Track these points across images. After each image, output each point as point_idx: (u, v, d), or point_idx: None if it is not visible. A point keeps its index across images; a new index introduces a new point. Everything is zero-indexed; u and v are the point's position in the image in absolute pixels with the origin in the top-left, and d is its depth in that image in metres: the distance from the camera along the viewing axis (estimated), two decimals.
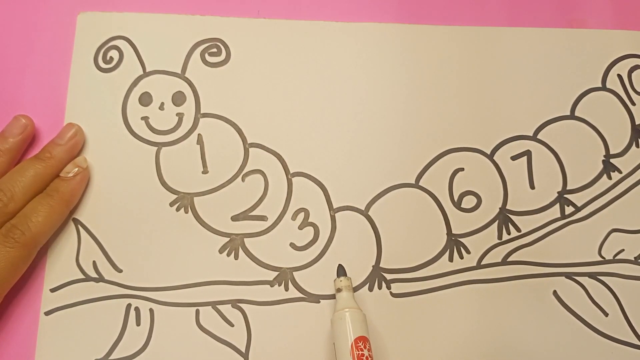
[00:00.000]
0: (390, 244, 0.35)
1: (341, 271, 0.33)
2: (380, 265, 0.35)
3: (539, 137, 0.37)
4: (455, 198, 0.36)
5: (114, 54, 0.37)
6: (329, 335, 0.33)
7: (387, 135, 0.37)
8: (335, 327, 0.31)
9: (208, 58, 0.37)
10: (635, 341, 0.34)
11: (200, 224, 0.35)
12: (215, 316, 0.34)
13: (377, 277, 0.35)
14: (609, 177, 0.36)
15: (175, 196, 0.35)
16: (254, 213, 0.35)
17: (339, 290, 0.33)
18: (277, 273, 0.34)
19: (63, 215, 0.34)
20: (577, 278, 0.35)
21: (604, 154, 0.37)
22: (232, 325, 0.34)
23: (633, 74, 0.38)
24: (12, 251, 0.31)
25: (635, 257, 0.35)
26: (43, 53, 0.37)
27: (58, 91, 0.36)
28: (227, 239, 0.35)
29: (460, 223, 0.36)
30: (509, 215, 0.36)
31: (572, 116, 0.37)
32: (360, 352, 0.30)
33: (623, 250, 0.35)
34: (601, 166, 0.36)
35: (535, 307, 0.34)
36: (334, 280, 0.33)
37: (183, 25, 0.38)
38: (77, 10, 0.38)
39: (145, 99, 0.37)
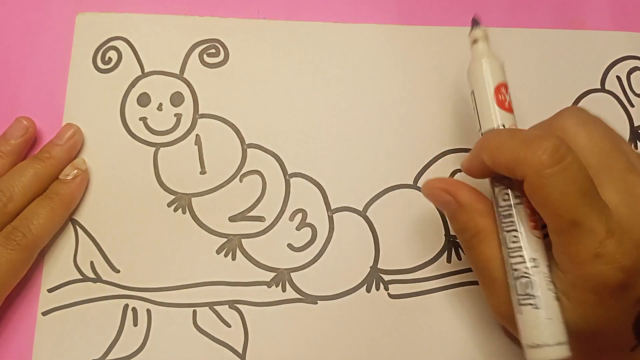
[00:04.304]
0: (388, 245, 0.35)
1: (475, 22, 0.32)
2: (378, 266, 0.35)
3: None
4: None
5: (112, 54, 0.37)
6: (326, 336, 0.33)
7: (385, 136, 0.36)
8: (473, 77, 0.31)
9: (206, 59, 0.37)
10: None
11: (198, 225, 0.35)
12: (212, 317, 0.34)
13: (375, 278, 0.35)
14: None
15: (173, 197, 0.35)
16: (251, 214, 0.35)
17: (474, 42, 0.32)
18: (274, 274, 0.34)
19: (63, 218, 0.34)
20: None
21: None
22: (229, 326, 0.34)
23: (632, 76, 0.38)
24: (14, 254, 0.32)
25: None
26: (42, 53, 0.37)
27: (56, 92, 0.36)
28: (225, 239, 0.35)
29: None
30: None
31: None
32: (502, 97, 0.30)
33: None
34: None
35: None
36: (468, 35, 0.32)
37: (181, 26, 0.38)
38: (76, 10, 0.38)
39: (144, 100, 0.37)
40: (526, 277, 0.26)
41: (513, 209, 0.28)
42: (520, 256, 0.27)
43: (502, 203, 0.28)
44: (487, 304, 0.30)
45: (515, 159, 0.26)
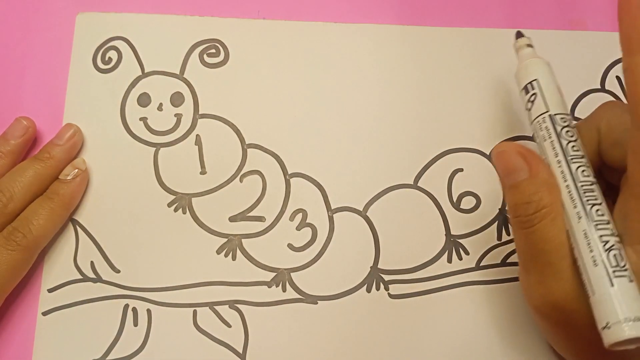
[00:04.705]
0: (389, 245, 0.35)
1: (520, 33, 0.34)
2: (379, 266, 0.35)
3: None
4: (454, 199, 0.36)
5: (112, 54, 0.37)
6: (326, 336, 0.33)
7: (385, 136, 0.36)
8: (532, 71, 0.32)
9: (207, 59, 0.37)
10: None
11: (198, 225, 0.35)
12: (212, 317, 0.34)
13: (375, 278, 0.35)
14: None
15: (173, 197, 0.35)
16: (251, 214, 0.35)
17: (519, 48, 0.33)
18: (274, 274, 0.34)
19: (63, 218, 0.34)
20: None
21: None
22: (229, 326, 0.34)
23: None
24: (14, 254, 0.32)
25: None
26: (42, 53, 0.37)
27: (56, 92, 0.36)
28: (225, 239, 0.35)
29: (460, 224, 0.35)
30: (509, 216, 0.36)
31: (572, 117, 0.37)
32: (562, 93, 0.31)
33: None
34: None
35: None
36: (513, 44, 0.33)
37: (182, 25, 0.38)
38: (76, 10, 0.38)
39: (144, 100, 0.37)
40: (616, 249, 0.26)
41: (595, 185, 0.27)
42: (608, 229, 0.26)
43: (583, 178, 0.27)
44: (530, 290, 0.28)
45: None
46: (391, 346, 0.34)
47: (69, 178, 0.34)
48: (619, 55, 0.37)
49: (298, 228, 0.35)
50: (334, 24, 0.38)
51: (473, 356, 0.33)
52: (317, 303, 0.34)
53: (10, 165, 0.34)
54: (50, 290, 0.34)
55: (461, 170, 0.36)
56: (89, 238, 0.35)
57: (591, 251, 0.26)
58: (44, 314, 0.34)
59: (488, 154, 0.36)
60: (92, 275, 0.34)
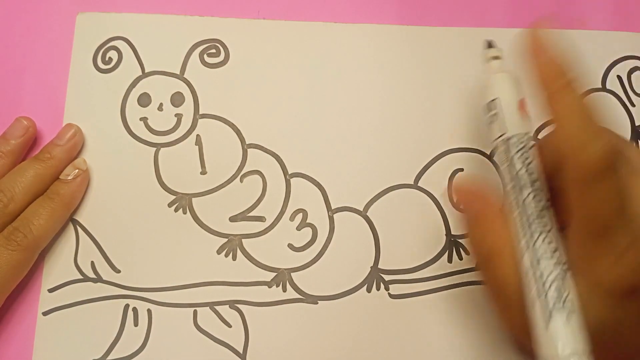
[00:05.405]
0: (389, 245, 0.35)
1: (490, 44, 0.33)
2: (379, 266, 0.35)
3: (539, 137, 0.37)
4: (455, 199, 0.36)
5: (112, 54, 0.37)
6: (326, 336, 0.33)
7: (385, 136, 0.36)
8: (494, 89, 0.31)
9: (207, 59, 0.37)
10: None
11: (199, 225, 0.35)
12: (213, 317, 0.34)
13: (376, 278, 0.35)
14: None
15: (173, 197, 0.35)
16: (252, 214, 0.35)
17: (494, 58, 0.32)
18: (275, 274, 0.34)
19: (64, 218, 0.34)
20: None
21: None
22: (229, 326, 0.34)
23: (632, 76, 0.38)
24: (15, 254, 0.32)
25: None
26: (42, 53, 0.37)
27: (57, 92, 0.36)
28: (225, 239, 0.35)
29: (460, 224, 0.35)
30: None
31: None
32: (524, 111, 0.30)
33: None
34: None
35: None
36: (484, 53, 0.32)
37: (182, 25, 0.38)
38: (76, 10, 0.38)
39: (144, 100, 0.37)
40: (559, 279, 0.26)
41: (546, 211, 0.27)
42: (554, 258, 0.26)
43: (533, 205, 0.27)
44: (501, 319, 0.30)
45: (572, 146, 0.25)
46: (391, 346, 0.34)
47: (69, 178, 0.34)
48: (620, 54, 0.38)
49: (298, 228, 0.35)
50: (334, 24, 0.38)
51: (473, 356, 0.33)
52: (317, 303, 0.34)
53: (11, 165, 0.34)
54: (50, 290, 0.34)
55: (461, 170, 0.36)
56: (89, 238, 0.35)
57: (535, 285, 0.26)
58: (44, 314, 0.34)
59: (488, 153, 0.36)
60: (92, 275, 0.34)
